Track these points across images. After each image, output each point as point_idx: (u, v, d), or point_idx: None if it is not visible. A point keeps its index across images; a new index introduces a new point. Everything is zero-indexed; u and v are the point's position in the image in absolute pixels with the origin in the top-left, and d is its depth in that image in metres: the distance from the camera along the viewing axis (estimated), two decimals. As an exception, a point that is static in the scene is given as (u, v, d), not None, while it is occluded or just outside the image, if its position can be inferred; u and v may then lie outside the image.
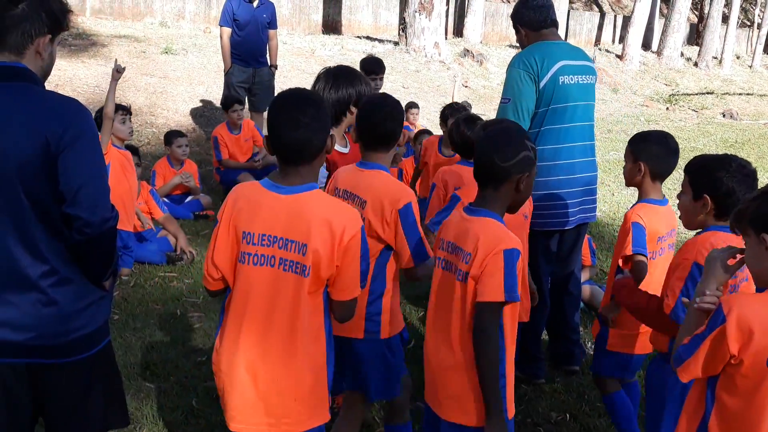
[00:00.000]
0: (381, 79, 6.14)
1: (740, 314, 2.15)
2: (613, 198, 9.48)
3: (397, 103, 3.25)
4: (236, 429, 2.65)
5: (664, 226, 3.49)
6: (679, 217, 3.13)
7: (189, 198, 7.79)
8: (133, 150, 6.46)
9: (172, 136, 7.77)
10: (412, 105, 10.21)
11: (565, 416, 4.18)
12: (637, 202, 3.56)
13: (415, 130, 8.45)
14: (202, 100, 11.50)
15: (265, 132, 6.02)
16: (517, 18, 4.53)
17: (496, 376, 2.61)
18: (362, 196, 3.08)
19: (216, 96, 11.11)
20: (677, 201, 3.10)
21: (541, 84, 4.28)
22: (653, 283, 3.32)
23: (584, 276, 5.72)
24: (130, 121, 6.19)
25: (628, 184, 3.62)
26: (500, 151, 2.65)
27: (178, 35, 15.06)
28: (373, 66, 6.01)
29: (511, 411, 2.71)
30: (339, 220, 2.50)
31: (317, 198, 2.56)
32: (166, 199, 7.28)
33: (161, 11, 16.88)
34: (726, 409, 2.25)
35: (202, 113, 11.18)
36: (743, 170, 2.89)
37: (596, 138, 4.76)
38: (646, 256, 3.36)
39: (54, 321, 2.44)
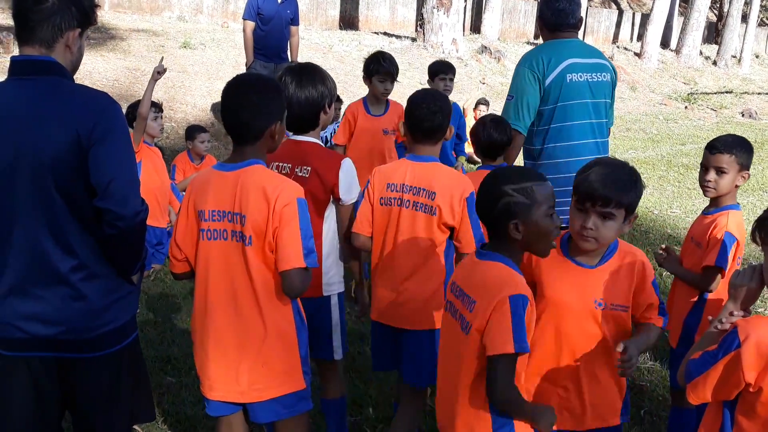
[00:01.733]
0: (451, 80, 6.05)
1: (759, 341, 2.02)
2: (632, 197, 9.40)
3: (446, 98, 3.37)
4: (214, 398, 2.80)
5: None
6: None
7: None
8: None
9: (194, 131, 7.77)
10: (482, 102, 10.66)
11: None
12: (725, 209, 3.39)
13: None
14: (220, 95, 11.51)
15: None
16: (539, 14, 4.62)
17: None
18: (429, 188, 3.23)
19: (234, 91, 11.10)
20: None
21: (547, 82, 4.34)
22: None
23: None
24: (162, 118, 6.21)
25: (720, 194, 3.39)
26: (480, 204, 2.51)
27: (196, 30, 15.09)
28: (442, 67, 6.10)
29: None
30: (273, 188, 2.62)
31: (256, 171, 2.69)
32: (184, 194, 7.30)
33: (179, 5, 16.91)
34: None
35: (221, 108, 11.19)
36: None
37: (615, 136, 4.70)
38: (725, 271, 3.26)
39: (83, 315, 2.44)
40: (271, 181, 2.65)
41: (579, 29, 4.57)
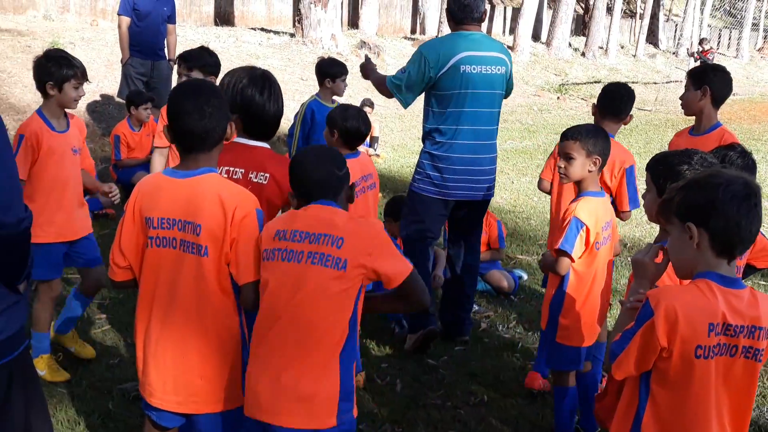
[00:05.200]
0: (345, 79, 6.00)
1: (668, 305, 2.15)
2: (513, 186, 9.71)
3: (631, 89, 4.55)
4: (154, 404, 2.73)
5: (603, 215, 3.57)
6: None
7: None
8: None
9: (137, 98, 7.58)
10: (366, 103, 10.65)
11: (483, 398, 4.26)
12: (580, 196, 3.54)
13: None
14: (93, 95, 11.10)
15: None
16: (447, 6, 4.85)
17: None
18: None
19: (108, 90, 10.75)
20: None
21: (441, 71, 4.60)
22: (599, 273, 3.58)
23: (487, 256, 5.80)
24: None
25: (574, 180, 3.55)
26: (333, 183, 2.73)
27: (63, 28, 14.48)
28: (342, 69, 6.02)
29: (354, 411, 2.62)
30: (231, 199, 2.58)
31: (212, 180, 2.64)
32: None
33: (44, 4, 16.15)
34: (659, 401, 2.25)
35: (94, 108, 10.79)
36: (704, 162, 2.85)
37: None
38: (570, 255, 3.43)
39: (-32, 328, 2.30)
40: (228, 192, 2.60)
41: (483, 22, 4.81)
